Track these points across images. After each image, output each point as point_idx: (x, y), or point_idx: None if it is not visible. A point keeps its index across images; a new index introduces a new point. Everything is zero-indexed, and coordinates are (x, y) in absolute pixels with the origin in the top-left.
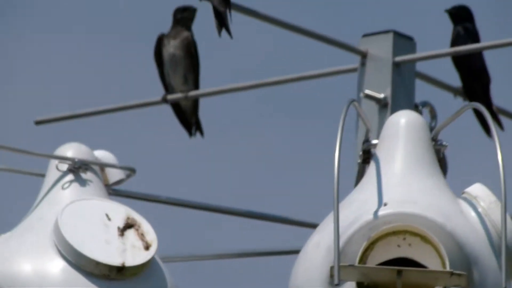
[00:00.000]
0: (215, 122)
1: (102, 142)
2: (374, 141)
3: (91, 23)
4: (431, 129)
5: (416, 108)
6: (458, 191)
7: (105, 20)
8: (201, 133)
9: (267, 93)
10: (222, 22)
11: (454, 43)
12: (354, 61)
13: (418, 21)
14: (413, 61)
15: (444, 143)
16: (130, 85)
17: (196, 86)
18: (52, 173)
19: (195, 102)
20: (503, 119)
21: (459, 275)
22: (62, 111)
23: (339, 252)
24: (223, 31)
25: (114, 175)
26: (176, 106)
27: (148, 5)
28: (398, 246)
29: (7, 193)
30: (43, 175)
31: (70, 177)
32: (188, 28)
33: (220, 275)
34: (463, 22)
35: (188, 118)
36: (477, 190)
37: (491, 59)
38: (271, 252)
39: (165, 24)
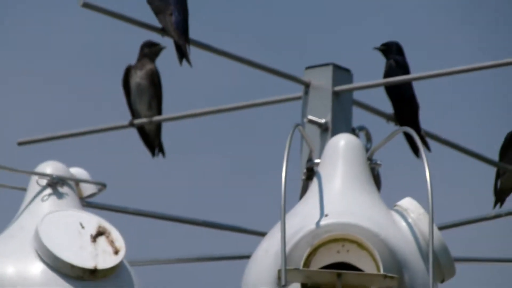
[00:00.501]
0: (175, 143)
1: (77, 160)
2: (317, 160)
3: (68, 56)
4: (367, 150)
5: (353, 131)
6: (390, 204)
7: (79, 52)
8: (163, 153)
9: (221, 118)
10: (182, 54)
11: (386, 74)
12: (298, 90)
13: (355, 54)
14: (350, 91)
15: (378, 162)
16: (100, 110)
17: (159, 112)
18: (33, 187)
19: (158, 126)
20: (430, 141)
21: (391, 277)
22: (42, 133)
23: (286, 257)
24: (183, 61)
25: (87, 189)
26: (141, 130)
27: (115, 38)
28: (338, 252)
29: None
30: (24, 189)
31: (48, 191)
32: (153, 60)
33: (181, 278)
34: (394, 56)
35: (152, 140)
36: (407, 203)
37: (419, 88)
38: (224, 257)
39: (131, 55)
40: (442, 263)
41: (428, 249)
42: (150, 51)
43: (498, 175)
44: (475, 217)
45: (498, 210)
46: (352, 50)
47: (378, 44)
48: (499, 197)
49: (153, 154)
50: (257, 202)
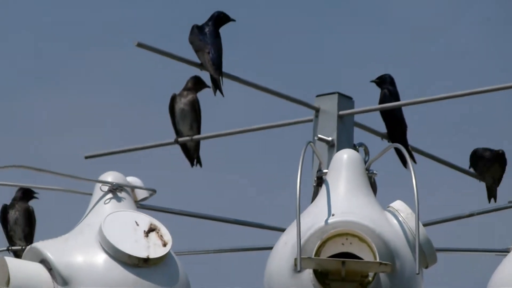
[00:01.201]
0: (211, 157)
1: (132, 170)
2: (325, 170)
3: (126, 85)
4: (365, 162)
5: (354, 147)
6: (384, 205)
7: (134, 84)
8: (200, 165)
9: (247, 136)
10: (216, 86)
11: (381, 101)
12: (310, 114)
13: (356, 84)
14: (351, 114)
15: (374, 171)
16: (151, 130)
17: (198, 132)
18: (97, 193)
19: (197, 143)
20: (416, 155)
21: (385, 264)
22: (105, 149)
23: (301, 248)
24: (217, 92)
25: (141, 194)
26: (184, 146)
27: (161, 71)
28: (342, 244)
29: (64, 207)
30: (90, 194)
31: (109, 195)
32: (196, 92)
33: (217, 266)
34: (387, 86)
35: (192, 154)
36: (398, 204)
37: (408, 112)
38: (252, 248)
39: (175, 84)
40: (427, 253)
41: (415, 241)
42: (195, 86)
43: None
44: (453, 215)
45: (471, 210)
46: (354, 80)
47: (375, 77)
48: (492, 195)
49: (192, 165)
50: (276, 204)
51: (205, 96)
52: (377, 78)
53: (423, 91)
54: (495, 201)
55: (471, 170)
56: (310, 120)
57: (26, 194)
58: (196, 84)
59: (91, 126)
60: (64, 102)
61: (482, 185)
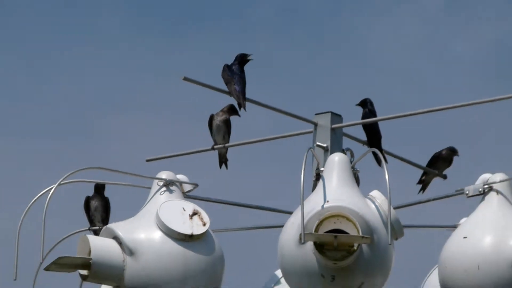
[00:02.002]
0: (236, 160)
1: (182, 170)
2: (322, 169)
3: (177, 107)
4: (351, 162)
5: (343, 151)
6: (365, 193)
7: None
8: (226, 167)
9: (265, 144)
10: (240, 107)
11: (363, 118)
12: (311, 127)
13: (345, 104)
14: (341, 127)
15: (357, 169)
16: (195, 140)
17: (228, 141)
18: (154, 187)
19: (226, 150)
20: (388, 157)
21: (366, 237)
22: (162, 153)
23: (304, 226)
24: (241, 113)
25: (187, 187)
26: (218, 152)
27: (205, 96)
28: (334, 223)
29: (130, 198)
30: (149, 188)
31: (164, 189)
32: (229, 114)
33: (243, 240)
34: (367, 107)
35: (222, 158)
36: (375, 193)
37: (384, 125)
38: (270, 226)
39: (211, 106)
40: (396, 229)
41: (388, 220)
42: (229, 111)
43: (423, 175)
44: (415, 201)
45: (427, 197)
46: (344, 101)
47: (359, 101)
48: (423, 187)
49: (220, 167)
50: (287, 193)
51: (233, 118)
52: (361, 102)
53: (392, 111)
54: (423, 192)
55: (430, 169)
56: (311, 132)
57: (103, 188)
58: (230, 109)
59: (151, 135)
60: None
61: (436, 179)
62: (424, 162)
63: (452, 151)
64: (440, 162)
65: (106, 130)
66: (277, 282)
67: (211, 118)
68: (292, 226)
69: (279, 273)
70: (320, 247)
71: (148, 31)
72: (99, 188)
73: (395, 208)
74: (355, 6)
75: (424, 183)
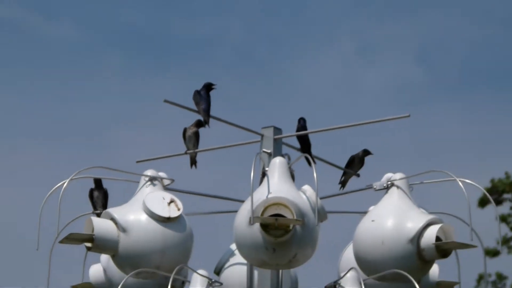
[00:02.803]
0: (202, 162)
1: (163, 168)
2: (266, 168)
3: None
4: (288, 163)
5: (282, 156)
6: (299, 187)
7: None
8: (196, 166)
9: (224, 151)
10: (206, 122)
11: (297, 130)
12: (258, 138)
13: (283, 120)
14: (280, 138)
15: (293, 169)
16: (173, 146)
17: (197, 147)
18: (142, 181)
19: (196, 154)
20: (316, 160)
21: (299, 220)
22: (148, 156)
23: (253, 211)
24: (207, 127)
25: (166, 181)
26: (191, 156)
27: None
28: (276, 209)
29: (123, 189)
30: (138, 182)
31: (149, 183)
32: (198, 127)
33: (208, 224)
34: (301, 123)
35: (192, 160)
36: (306, 187)
37: (313, 137)
38: (225, 211)
39: (186, 123)
40: (321, 213)
41: (315, 207)
42: (198, 125)
43: (342, 176)
44: (335, 193)
45: (345, 190)
46: (283, 119)
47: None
48: (343, 185)
49: (191, 166)
50: (241, 187)
51: (201, 130)
52: (299, 120)
53: (319, 126)
54: (343, 189)
55: (348, 169)
56: (258, 141)
57: (100, 182)
58: (198, 124)
59: (140, 143)
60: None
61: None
62: (343, 164)
63: (366, 152)
64: (355, 162)
65: (108, 139)
66: (231, 254)
67: (185, 130)
68: (244, 211)
69: (233, 247)
70: (264, 227)
71: (141, 67)
72: (99, 182)
73: (321, 198)
74: (292, 48)
75: (343, 182)
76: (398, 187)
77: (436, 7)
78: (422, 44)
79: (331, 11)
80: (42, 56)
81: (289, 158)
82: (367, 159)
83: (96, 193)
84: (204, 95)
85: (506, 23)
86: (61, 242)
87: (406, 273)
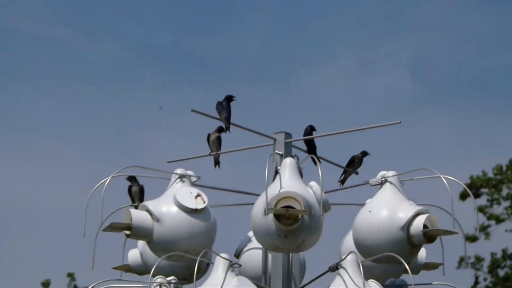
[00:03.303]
0: (225, 162)
1: (191, 167)
2: (279, 168)
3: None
4: (297, 163)
5: (292, 157)
6: (306, 183)
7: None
8: (219, 166)
9: (243, 152)
10: (227, 129)
11: (304, 135)
12: (271, 141)
13: (293, 126)
14: (291, 142)
15: (302, 168)
16: (199, 148)
17: (219, 150)
18: (172, 178)
19: (218, 156)
20: (322, 160)
21: (306, 211)
22: (177, 157)
23: (267, 204)
24: (227, 133)
25: (193, 178)
26: (215, 157)
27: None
28: (287, 201)
29: (157, 185)
30: (169, 179)
31: (178, 180)
32: (220, 132)
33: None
34: (308, 129)
35: (216, 161)
36: (312, 183)
37: (320, 140)
38: (244, 204)
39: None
40: (325, 205)
41: (321, 200)
42: (219, 130)
43: (342, 174)
44: (337, 188)
45: (345, 185)
46: (292, 125)
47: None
48: (342, 182)
49: (215, 166)
50: (257, 183)
51: (223, 135)
52: (308, 126)
53: (325, 131)
54: (343, 184)
55: (348, 168)
56: (272, 144)
57: (136, 179)
58: (220, 129)
59: (171, 146)
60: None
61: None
62: (343, 164)
63: (364, 153)
64: (355, 162)
65: (141, 142)
66: (249, 240)
67: (208, 135)
68: (260, 204)
69: (251, 234)
70: (277, 217)
71: (171, 81)
72: (135, 179)
73: (325, 192)
74: (300, 64)
75: (343, 180)
76: (391, 182)
77: (426, 28)
78: (413, 59)
79: (335, 30)
80: (86, 71)
81: (298, 159)
82: (364, 159)
83: (134, 188)
84: (225, 105)
85: (485, 41)
86: (104, 230)
87: (398, 256)
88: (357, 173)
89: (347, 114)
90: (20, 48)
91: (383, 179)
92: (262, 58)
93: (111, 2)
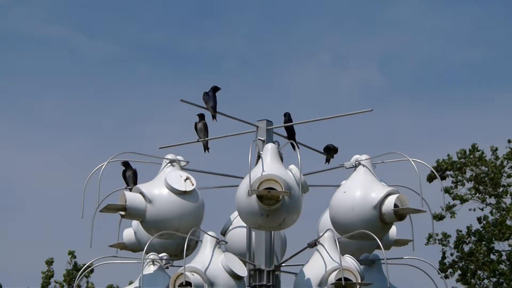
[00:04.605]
0: (212, 147)
1: (180, 152)
2: (261, 152)
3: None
4: (278, 148)
5: (273, 142)
6: (286, 166)
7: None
8: (208, 150)
9: (228, 139)
10: (213, 117)
11: (284, 122)
12: (254, 128)
13: (274, 114)
14: (272, 128)
15: (282, 153)
16: (188, 135)
17: (207, 136)
18: (163, 163)
19: (207, 142)
20: (301, 146)
21: (286, 192)
22: (169, 143)
23: (251, 185)
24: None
25: (182, 163)
26: (204, 143)
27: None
28: (269, 183)
29: (149, 169)
30: (160, 163)
31: (169, 164)
32: (203, 119)
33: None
34: (287, 116)
35: (205, 145)
36: (292, 166)
37: (299, 128)
38: (228, 186)
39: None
40: (304, 187)
41: (299, 182)
42: (201, 117)
43: (327, 157)
44: (315, 170)
45: (322, 168)
46: (273, 113)
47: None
48: (327, 161)
49: (205, 151)
50: (241, 166)
51: (210, 122)
52: (284, 114)
53: (301, 119)
54: (328, 163)
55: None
56: (254, 131)
57: (129, 164)
58: (201, 116)
59: (162, 133)
60: (153, 127)
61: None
62: (320, 149)
63: (334, 150)
64: (331, 150)
65: (134, 131)
66: (234, 219)
67: (196, 123)
68: (244, 186)
69: (235, 213)
70: (260, 197)
71: (163, 75)
72: (129, 164)
73: (304, 175)
74: (281, 59)
75: (328, 159)
76: (364, 165)
77: (394, 27)
78: (383, 55)
79: (313, 29)
80: (85, 67)
81: (278, 144)
82: (339, 143)
83: (128, 173)
84: (211, 95)
85: (452, 38)
86: (101, 211)
87: (371, 233)
88: (332, 157)
89: (323, 104)
90: (27, 47)
91: (357, 162)
92: (247, 54)
93: (109, 5)
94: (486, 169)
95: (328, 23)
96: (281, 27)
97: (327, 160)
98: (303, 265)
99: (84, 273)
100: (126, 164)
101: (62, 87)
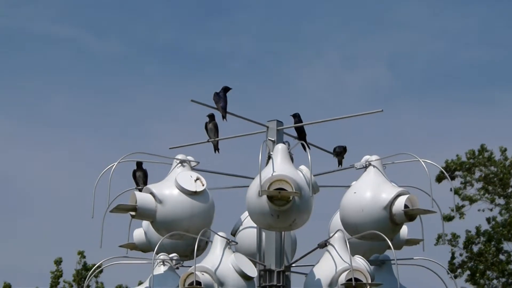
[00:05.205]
0: (223, 148)
1: (191, 153)
2: (271, 153)
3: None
4: (289, 149)
5: (284, 143)
6: (297, 166)
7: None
8: (218, 151)
9: (239, 139)
10: (223, 117)
11: (295, 123)
12: (265, 128)
13: (285, 114)
14: (282, 129)
15: (292, 153)
16: (198, 136)
17: (217, 136)
18: (174, 163)
19: (218, 142)
20: (312, 146)
21: (297, 192)
22: (179, 144)
23: (261, 186)
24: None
25: (193, 163)
26: (214, 143)
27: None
28: (279, 184)
29: (160, 169)
30: (171, 164)
31: (179, 164)
32: (214, 119)
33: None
34: (297, 117)
35: (215, 146)
36: (302, 167)
37: (309, 128)
38: (239, 186)
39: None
40: (314, 187)
41: (310, 182)
42: (211, 117)
43: (338, 160)
44: (326, 171)
45: (333, 169)
46: (283, 114)
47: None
48: (340, 163)
49: (215, 151)
50: (252, 167)
51: (220, 122)
52: (293, 114)
53: (311, 119)
54: (341, 166)
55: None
56: (265, 131)
57: (141, 164)
58: (211, 116)
59: (173, 134)
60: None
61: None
62: (331, 149)
63: (344, 150)
64: (341, 153)
65: (145, 130)
66: (245, 219)
67: (206, 124)
68: (254, 186)
69: (246, 214)
70: (270, 198)
71: (172, 74)
72: (140, 164)
73: (314, 175)
74: (291, 59)
75: (339, 162)
76: (374, 166)
77: (402, 27)
78: (392, 55)
79: (321, 29)
80: (94, 66)
81: (289, 145)
82: (349, 144)
83: (138, 173)
84: (222, 95)
85: (457, 38)
86: (111, 211)
87: (381, 233)
88: (343, 157)
89: (332, 104)
90: (36, 46)
91: (367, 163)
92: (256, 55)
93: (117, 4)
94: (495, 169)
95: (337, 23)
96: (289, 27)
97: (340, 163)
98: (313, 265)
99: (94, 273)
100: (138, 164)
101: (71, 87)
